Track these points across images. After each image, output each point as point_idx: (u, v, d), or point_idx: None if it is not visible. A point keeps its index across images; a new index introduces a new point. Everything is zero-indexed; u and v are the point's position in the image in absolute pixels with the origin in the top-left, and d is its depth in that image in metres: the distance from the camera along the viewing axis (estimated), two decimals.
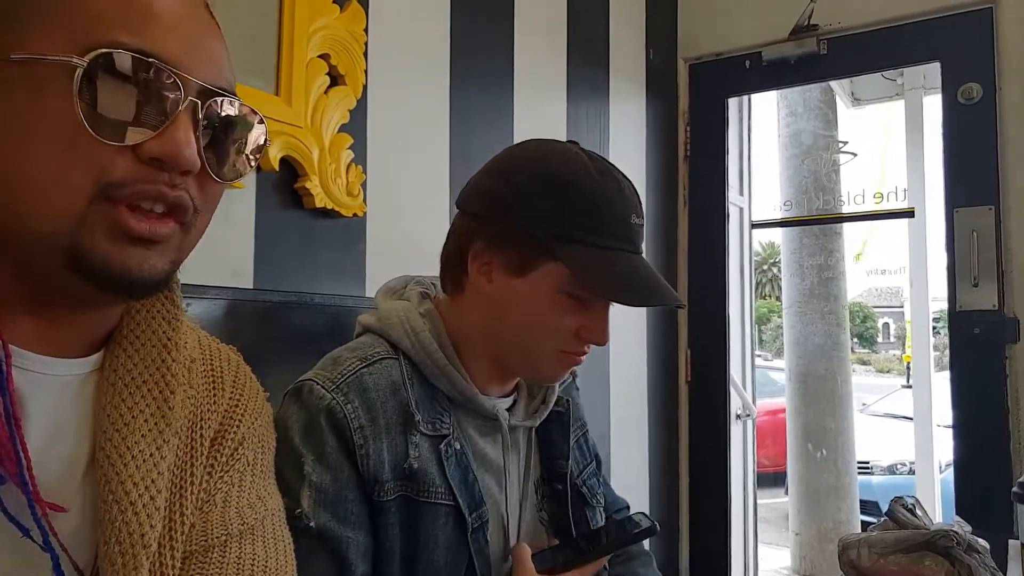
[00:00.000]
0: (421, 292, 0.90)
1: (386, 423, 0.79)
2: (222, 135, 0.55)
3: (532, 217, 0.81)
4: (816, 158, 4.40)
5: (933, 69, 1.94)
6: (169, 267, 0.54)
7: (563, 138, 0.90)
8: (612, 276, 0.80)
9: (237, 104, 0.55)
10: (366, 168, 1.20)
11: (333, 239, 1.16)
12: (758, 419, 2.83)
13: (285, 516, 0.70)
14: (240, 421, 0.66)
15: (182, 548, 0.59)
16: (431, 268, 0.92)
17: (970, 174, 1.82)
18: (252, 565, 0.61)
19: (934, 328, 4.27)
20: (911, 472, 4.64)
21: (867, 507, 4.74)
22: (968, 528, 1.02)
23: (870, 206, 2.73)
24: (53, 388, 0.53)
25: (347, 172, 1.16)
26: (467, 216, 0.86)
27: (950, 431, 1.86)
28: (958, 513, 1.77)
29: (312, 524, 0.73)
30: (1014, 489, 1.09)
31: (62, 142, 0.47)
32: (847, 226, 5.06)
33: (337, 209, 1.13)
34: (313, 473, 0.75)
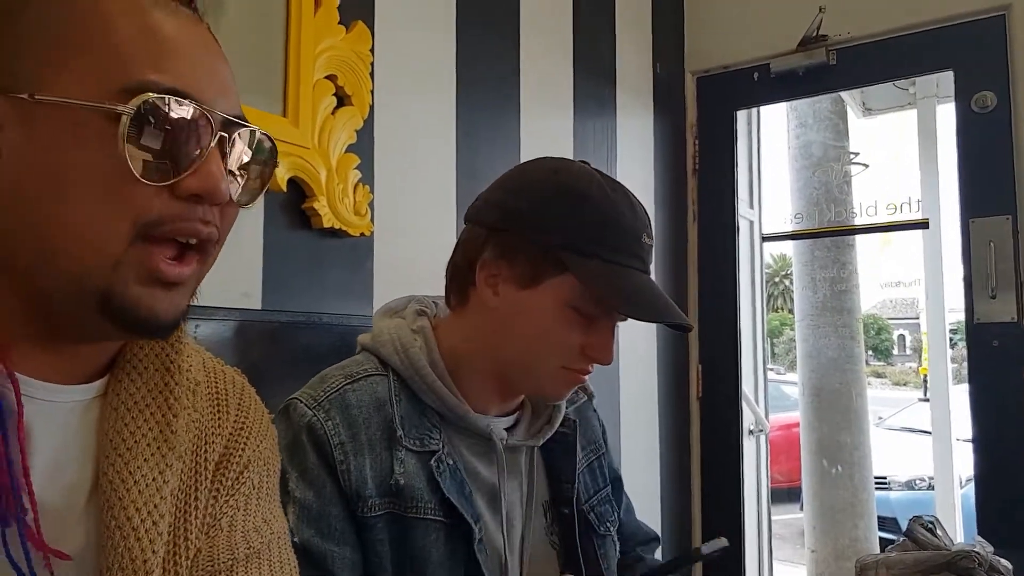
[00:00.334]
0: (418, 310, 0.90)
1: (368, 439, 0.79)
2: (243, 163, 0.56)
3: (544, 228, 0.81)
4: (827, 169, 4.37)
5: (946, 78, 1.92)
6: (188, 302, 0.55)
7: (570, 155, 0.91)
8: (622, 290, 0.80)
9: (256, 131, 0.56)
10: (373, 188, 1.21)
11: (341, 259, 1.16)
12: (771, 434, 2.79)
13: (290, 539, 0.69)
14: (245, 444, 0.66)
15: (187, 573, 0.58)
16: (438, 287, 0.92)
17: (986, 184, 1.80)
18: None
19: (951, 340, 4.22)
20: (930, 487, 4.56)
21: (885, 523, 4.66)
22: (990, 548, 0.99)
23: (883, 217, 2.70)
24: (58, 416, 0.53)
25: (354, 192, 1.16)
26: (477, 227, 0.86)
27: (969, 445, 1.82)
28: (979, 529, 1.74)
29: (296, 540, 0.73)
30: None
31: (103, 188, 0.48)
32: (859, 238, 5.02)
33: (345, 229, 1.13)
34: (297, 490, 0.76)
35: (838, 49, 2.00)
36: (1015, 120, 1.77)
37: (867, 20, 1.96)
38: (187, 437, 0.60)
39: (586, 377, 0.86)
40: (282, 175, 1.05)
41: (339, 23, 1.16)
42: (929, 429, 4.22)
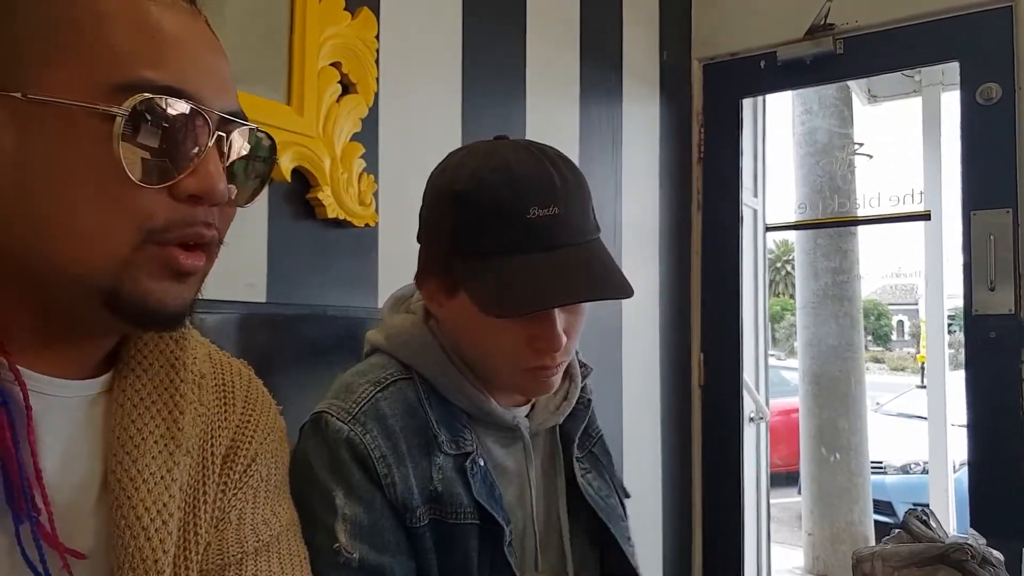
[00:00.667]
0: (425, 304, 0.88)
1: (408, 448, 0.77)
2: (241, 162, 0.55)
3: (434, 240, 0.80)
4: (831, 158, 4.36)
5: (952, 67, 1.91)
6: (194, 297, 0.55)
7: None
8: (501, 288, 0.73)
9: (254, 129, 0.56)
10: (378, 177, 1.20)
11: (345, 249, 1.15)
12: (771, 419, 2.81)
13: (301, 532, 0.70)
14: (252, 437, 0.66)
15: (197, 567, 0.59)
16: None
17: (988, 176, 1.80)
18: None
19: (949, 326, 4.22)
20: (924, 472, 4.60)
21: (880, 507, 4.71)
22: (983, 540, 1.01)
23: (886, 208, 2.70)
24: (64, 411, 0.53)
25: (359, 182, 1.15)
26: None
27: (963, 430, 1.84)
28: (972, 515, 1.77)
29: (355, 556, 0.71)
30: None
31: (102, 190, 0.47)
32: (863, 229, 5.02)
33: (349, 219, 1.13)
34: (345, 506, 0.73)
35: (845, 38, 1.98)
36: (1019, 113, 1.76)
37: (874, 9, 1.94)
38: (194, 432, 0.60)
39: (555, 370, 0.80)
40: (286, 165, 1.04)
41: (344, 9, 1.14)
42: (925, 415, 4.25)
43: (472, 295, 0.75)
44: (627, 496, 0.96)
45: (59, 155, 0.47)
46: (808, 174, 4.44)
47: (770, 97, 2.58)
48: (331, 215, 1.10)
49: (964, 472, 1.92)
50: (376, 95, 1.20)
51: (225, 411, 0.65)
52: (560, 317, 0.76)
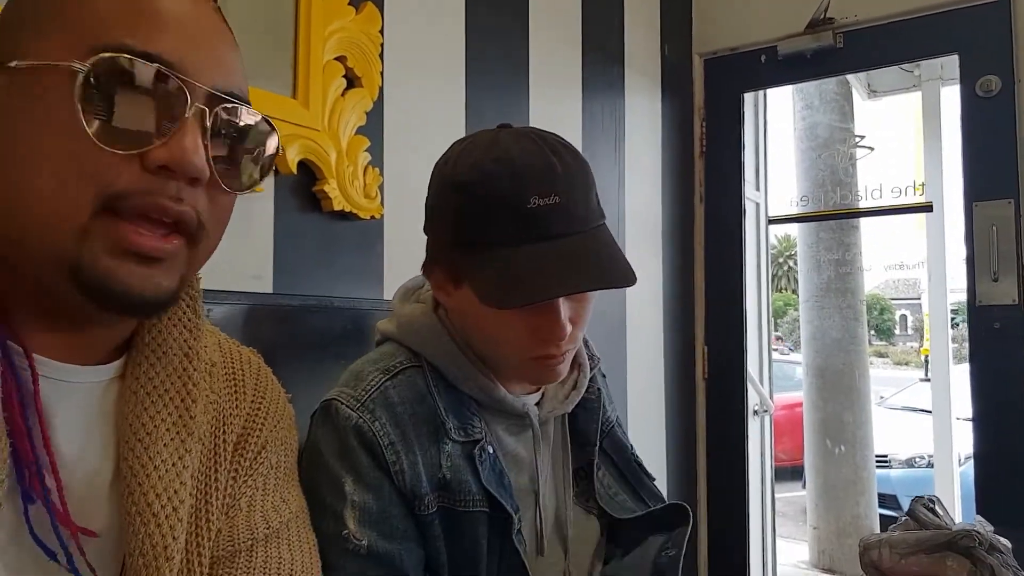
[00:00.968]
0: (434, 294, 0.88)
1: (416, 435, 0.77)
2: (232, 143, 0.53)
3: (439, 231, 0.80)
4: (833, 152, 4.36)
5: (951, 60, 1.91)
6: (176, 284, 0.52)
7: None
8: (500, 280, 0.72)
9: (248, 111, 0.54)
10: (383, 170, 1.21)
11: (351, 241, 1.16)
12: (775, 413, 2.81)
13: (310, 520, 0.70)
14: (263, 424, 0.67)
15: (209, 553, 0.59)
16: None
17: (989, 168, 1.80)
18: (279, 568, 0.62)
19: (952, 320, 4.22)
20: (930, 465, 4.59)
21: (885, 501, 4.70)
22: (990, 527, 1.01)
23: (888, 200, 2.69)
24: (76, 396, 0.53)
25: (364, 174, 1.16)
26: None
27: (969, 424, 1.84)
28: (978, 507, 1.76)
29: (364, 543, 0.72)
30: None
31: (64, 151, 0.46)
32: (866, 221, 5.02)
33: (355, 212, 1.14)
34: (354, 493, 0.73)
35: (845, 32, 1.98)
36: (1019, 104, 1.76)
37: (874, 3, 1.94)
38: (205, 419, 0.60)
39: (561, 358, 0.79)
40: (292, 157, 1.04)
41: (349, 4, 1.15)
42: (929, 408, 4.24)
43: (474, 286, 0.75)
44: (652, 479, 0.97)
45: (30, 117, 0.46)
46: (810, 168, 4.44)
47: (771, 93, 2.58)
48: (337, 207, 1.11)
49: (969, 465, 1.92)
50: (381, 89, 1.20)
51: (236, 399, 0.66)
52: (565, 306, 0.76)
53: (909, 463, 5.14)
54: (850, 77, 3.80)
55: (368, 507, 0.73)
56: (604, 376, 1.00)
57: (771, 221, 2.70)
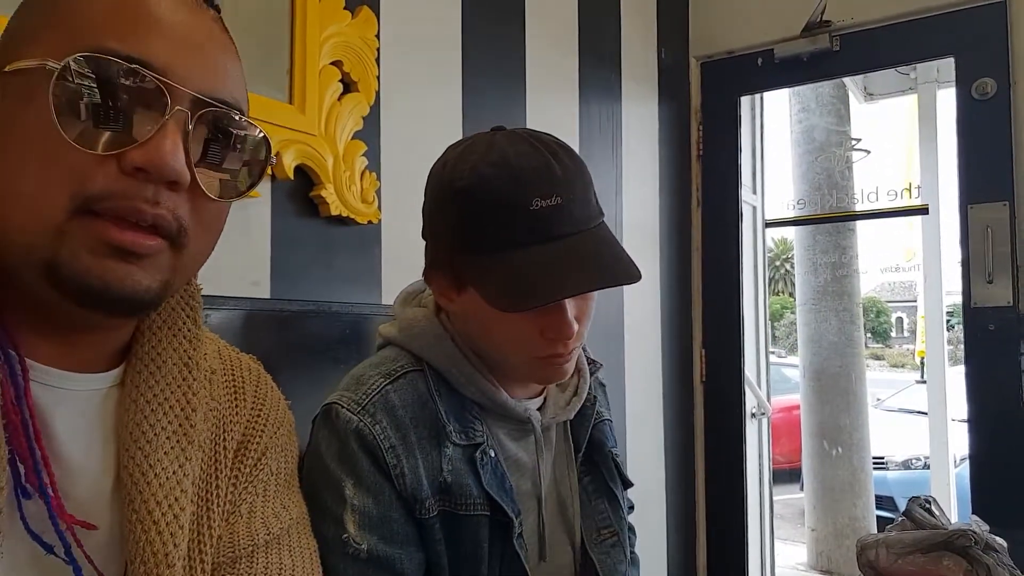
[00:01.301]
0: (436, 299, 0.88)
1: (417, 439, 0.77)
2: (219, 150, 0.52)
3: (439, 237, 0.79)
4: (829, 155, 4.37)
5: (947, 63, 1.92)
6: (158, 287, 0.51)
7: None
8: (507, 283, 0.72)
9: (237, 117, 0.53)
10: (380, 175, 1.21)
11: (349, 246, 1.16)
12: (772, 416, 2.82)
13: (310, 526, 0.70)
14: (263, 431, 0.67)
15: (211, 560, 0.59)
16: None
17: (985, 170, 1.81)
18: (280, 574, 0.62)
19: (948, 322, 4.23)
20: (926, 467, 4.60)
21: (882, 502, 4.71)
22: (986, 527, 1.01)
23: (884, 203, 2.71)
24: (75, 404, 0.53)
25: (361, 179, 1.16)
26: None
27: (964, 425, 1.85)
28: (974, 508, 1.77)
29: (363, 547, 0.72)
30: None
31: (41, 151, 0.46)
32: (862, 224, 5.03)
33: (352, 216, 1.13)
34: (354, 497, 0.73)
35: (841, 35, 1.99)
36: (1015, 107, 1.77)
37: (870, 6, 1.95)
38: (205, 427, 0.60)
39: (568, 357, 0.80)
40: (289, 163, 1.04)
41: (344, 8, 1.14)
42: (925, 410, 4.25)
43: (480, 291, 0.74)
44: (629, 485, 0.97)
45: (18, 119, 0.47)
46: (806, 172, 4.46)
47: (767, 97, 2.59)
48: (334, 212, 1.11)
49: (965, 467, 1.93)
50: (377, 93, 1.20)
51: (236, 406, 0.66)
52: (571, 305, 0.77)
53: (905, 465, 5.15)
54: (846, 80, 3.81)
55: (368, 511, 0.73)
56: (603, 385, 1.01)
57: (768, 224, 2.71)
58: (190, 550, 0.57)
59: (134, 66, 0.46)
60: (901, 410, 6.53)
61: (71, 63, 0.45)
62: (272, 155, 0.57)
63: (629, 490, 0.98)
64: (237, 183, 0.54)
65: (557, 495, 0.89)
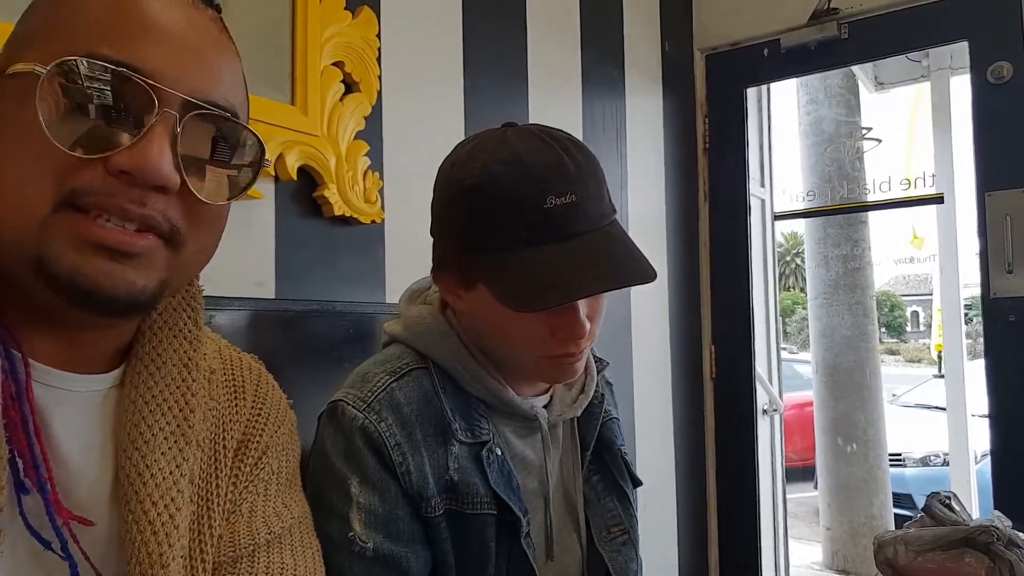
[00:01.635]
0: (441, 296, 0.87)
1: (423, 436, 0.76)
2: (211, 153, 0.52)
3: (449, 235, 0.78)
4: (839, 146, 4.32)
5: (960, 49, 1.89)
6: (154, 286, 0.50)
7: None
8: (522, 283, 0.71)
9: (229, 120, 0.52)
10: (383, 174, 1.20)
11: (352, 246, 1.16)
12: (784, 413, 2.79)
13: (313, 525, 0.70)
14: (263, 430, 0.67)
15: (212, 559, 0.59)
16: None
17: (1002, 156, 1.77)
18: (281, 573, 0.62)
19: (966, 315, 4.18)
20: (945, 463, 4.55)
21: (900, 500, 4.66)
22: (1008, 523, 0.99)
23: (897, 193, 2.67)
24: (76, 404, 0.54)
25: (364, 179, 1.16)
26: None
27: (985, 421, 1.81)
28: (996, 504, 1.74)
29: (369, 545, 0.71)
30: None
31: (29, 149, 0.46)
32: (888, 213, 4.98)
33: (355, 216, 1.13)
34: (360, 495, 0.73)
35: (850, 22, 1.96)
36: None
37: None
38: (204, 426, 0.60)
39: (579, 356, 0.79)
40: (292, 163, 1.04)
41: (345, 8, 1.14)
42: (943, 405, 4.20)
43: (493, 290, 0.74)
44: (638, 484, 0.96)
45: (6, 119, 0.47)
46: (816, 163, 4.41)
47: (774, 88, 2.57)
48: (337, 212, 1.10)
49: (986, 463, 1.89)
50: (379, 93, 1.20)
51: (236, 405, 0.66)
52: (583, 304, 0.76)
53: (924, 461, 5.09)
54: (856, 70, 3.77)
55: (374, 509, 0.73)
56: (610, 384, 1.00)
57: (777, 217, 2.69)
58: (191, 550, 0.57)
59: (121, 70, 0.47)
60: (918, 405, 6.47)
61: (56, 68, 0.46)
62: (266, 158, 0.57)
63: (638, 489, 0.97)
64: (231, 185, 0.54)
65: (564, 493, 0.88)
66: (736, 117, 2.17)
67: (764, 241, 2.63)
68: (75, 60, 0.46)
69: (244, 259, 1.01)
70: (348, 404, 0.76)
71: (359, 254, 1.17)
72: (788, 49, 2.04)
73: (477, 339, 0.81)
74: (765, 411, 2.54)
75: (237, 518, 0.62)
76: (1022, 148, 1.73)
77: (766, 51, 2.09)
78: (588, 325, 0.76)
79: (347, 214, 1.12)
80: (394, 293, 1.06)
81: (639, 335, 1.91)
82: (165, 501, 0.54)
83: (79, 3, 0.49)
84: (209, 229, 0.54)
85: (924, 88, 3.65)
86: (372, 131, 1.19)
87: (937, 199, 2.72)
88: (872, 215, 4.96)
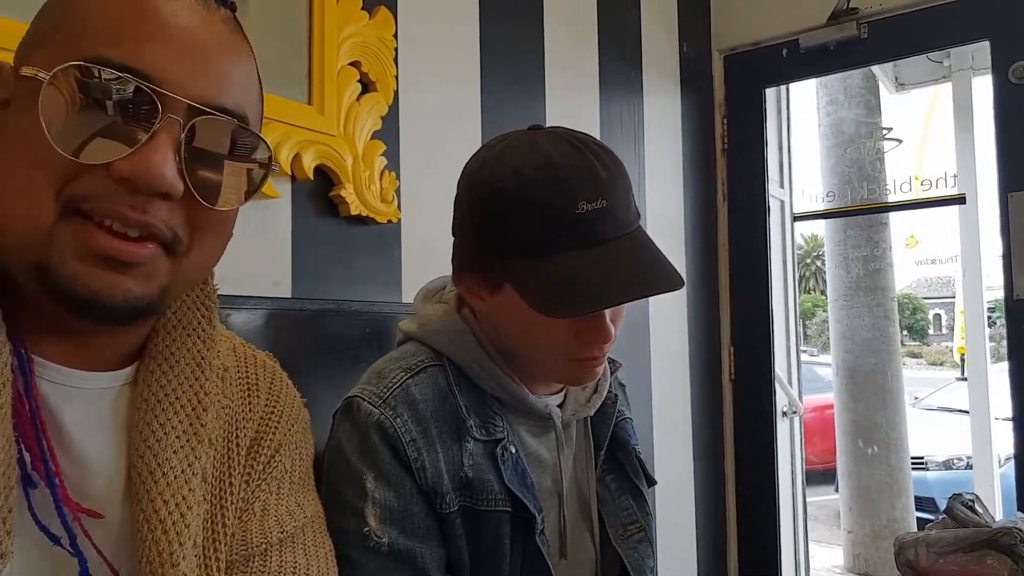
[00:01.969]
0: (457, 294, 0.87)
1: (438, 433, 0.77)
2: (217, 158, 0.51)
3: (476, 238, 0.78)
4: (859, 146, 4.27)
5: (982, 49, 1.86)
6: (154, 294, 0.50)
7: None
8: (552, 289, 0.71)
9: (237, 124, 0.51)
10: (399, 174, 1.21)
11: (369, 246, 1.16)
12: (805, 415, 2.76)
13: (326, 525, 0.69)
14: (276, 428, 0.66)
15: (226, 558, 0.59)
16: None
17: None
18: (293, 573, 0.62)
19: (989, 318, 4.11)
20: (968, 467, 4.47)
21: (923, 503, 4.59)
22: None
23: (917, 194, 2.63)
24: (86, 401, 0.53)
25: (381, 179, 1.16)
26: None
27: (1008, 424, 1.78)
28: (1020, 505, 1.71)
29: (384, 541, 0.72)
30: None
31: (32, 155, 0.46)
32: (893, 214, 4.91)
33: (372, 216, 1.14)
34: (376, 490, 0.73)
35: (869, 22, 1.94)
36: None
37: None
38: (217, 424, 0.60)
39: (601, 359, 0.80)
40: (308, 163, 1.05)
41: (362, 8, 1.15)
42: (966, 408, 4.13)
43: (523, 293, 0.74)
44: (653, 483, 0.95)
45: (15, 120, 0.47)
46: (836, 164, 4.36)
47: (794, 88, 2.54)
48: (354, 212, 1.11)
49: (1010, 467, 1.86)
50: (395, 93, 1.21)
51: (249, 403, 0.66)
52: (608, 309, 0.76)
53: (947, 465, 5.01)
54: (876, 71, 3.72)
55: (389, 504, 0.73)
56: (623, 385, 1.00)
57: (797, 218, 2.66)
58: (204, 548, 0.57)
59: (124, 75, 0.46)
60: (941, 409, 6.37)
61: (60, 73, 0.45)
62: (274, 163, 0.56)
63: (656, 490, 0.96)
64: (238, 190, 0.53)
65: (578, 492, 0.88)
66: (755, 118, 2.15)
67: (783, 242, 2.60)
68: (78, 65, 0.45)
69: (261, 259, 1.01)
70: (364, 400, 0.76)
71: (375, 254, 1.17)
72: (807, 49, 2.02)
73: (496, 340, 0.82)
74: (785, 413, 2.52)
75: (250, 517, 0.62)
76: None
77: (785, 51, 2.08)
78: (613, 329, 0.77)
79: (363, 214, 1.12)
80: (410, 293, 1.06)
81: (658, 336, 1.90)
82: (176, 499, 0.54)
83: (88, 4, 0.49)
84: (214, 235, 0.53)
85: (941, 90, 3.59)
86: (389, 131, 1.19)
87: (959, 199, 2.68)
88: (893, 219, 4.90)
